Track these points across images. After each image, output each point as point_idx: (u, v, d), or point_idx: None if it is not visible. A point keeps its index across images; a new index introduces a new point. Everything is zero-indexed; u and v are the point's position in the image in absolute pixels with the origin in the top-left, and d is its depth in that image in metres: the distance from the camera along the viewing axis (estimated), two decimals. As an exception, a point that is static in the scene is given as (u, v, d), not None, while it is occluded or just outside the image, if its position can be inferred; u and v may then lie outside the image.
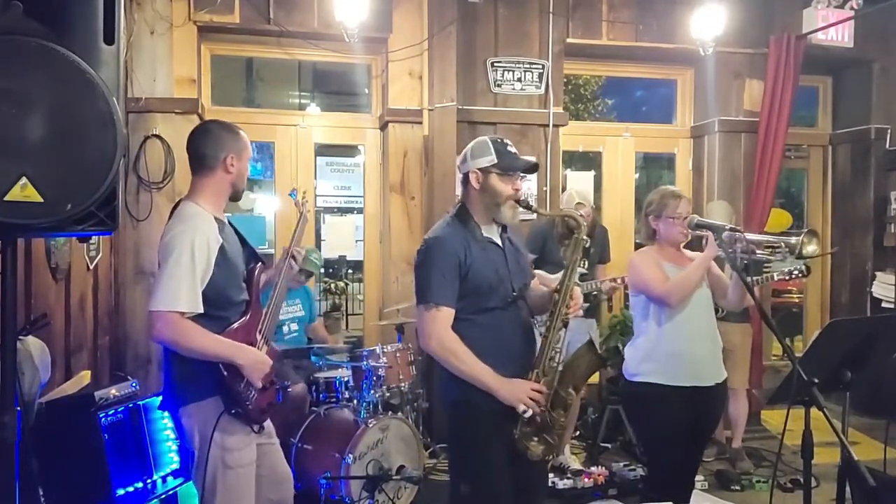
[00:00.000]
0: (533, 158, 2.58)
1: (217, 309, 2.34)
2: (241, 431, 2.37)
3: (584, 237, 2.48)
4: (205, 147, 2.41)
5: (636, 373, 3.02)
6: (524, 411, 2.25)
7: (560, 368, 2.35)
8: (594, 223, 4.57)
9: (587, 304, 4.40)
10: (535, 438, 2.31)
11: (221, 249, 2.33)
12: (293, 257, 2.69)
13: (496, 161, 2.39)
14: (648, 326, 3.04)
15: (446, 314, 2.31)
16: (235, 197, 2.51)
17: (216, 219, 2.39)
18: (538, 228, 4.49)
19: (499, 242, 2.47)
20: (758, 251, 2.95)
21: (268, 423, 2.58)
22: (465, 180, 2.47)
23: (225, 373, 2.29)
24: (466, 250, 2.35)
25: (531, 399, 2.26)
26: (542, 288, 2.59)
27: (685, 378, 2.93)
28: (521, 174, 2.48)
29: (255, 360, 2.36)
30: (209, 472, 2.31)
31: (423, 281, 2.36)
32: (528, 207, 2.54)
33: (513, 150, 2.45)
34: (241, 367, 2.31)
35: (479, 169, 2.41)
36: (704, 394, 2.96)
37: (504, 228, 2.50)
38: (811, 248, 3.00)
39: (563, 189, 5.16)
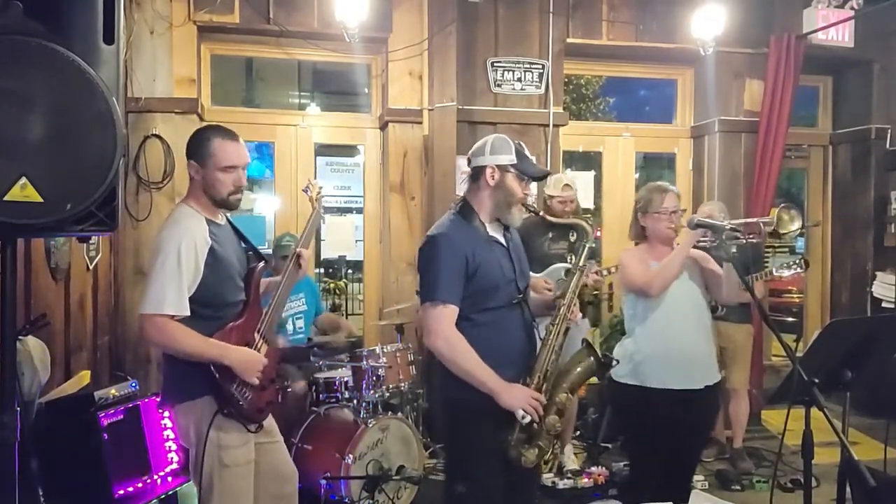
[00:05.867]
0: (546, 168, 2.57)
1: (210, 310, 2.34)
2: (238, 430, 2.37)
3: (592, 244, 2.48)
4: (186, 151, 2.46)
5: (622, 374, 2.96)
6: (523, 417, 2.22)
7: (556, 372, 2.33)
8: (577, 212, 4.39)
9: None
10: (529, 445, 2.28)
11: (211, 251, 2.34)
12: (299, 258, 2.64)
13: (516, 162, 2.37)
14: (636, 327, 2.99)
15: (452, 312, 2.28)
16: (220, 205, 2.44)
17: (208, 220, 2.40)
18: (521, 224, 4.40)
19: (503, 242, 2.44)
20: (748, 236, 2.92)
21: (270, 422, 2.58)
22: (477, 174, 2.41)
23: (216, 374, 2.29)
24: (474, 249, 2.31)
25: (530, 406, 2.23)
26: (535, 295, 2.57)
27: (672, 380, 2.87)
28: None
29: (244, 358, 2.34)
30: (206, 471, 2.32)
31: (430, 277, 2.30)
32: (535, 213, 2.53)
33: (528, 154, 2.45)
34: (230, 367, 2.30)
35: (498, 165, 2.37)
36: (693, 396, 2.89)
37: (507, 228, 2.48)
38: (794, 226, 2.98)
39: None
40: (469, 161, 2.46)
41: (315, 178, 5.36)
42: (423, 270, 2.37)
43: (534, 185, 4.58)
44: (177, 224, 2.33)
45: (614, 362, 2.40)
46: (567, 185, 4.31)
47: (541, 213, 2.61)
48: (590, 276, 4.10)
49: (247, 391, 2.36)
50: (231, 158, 2.40)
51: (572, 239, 4.35)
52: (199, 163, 2.41)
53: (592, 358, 2.36)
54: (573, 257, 4.34)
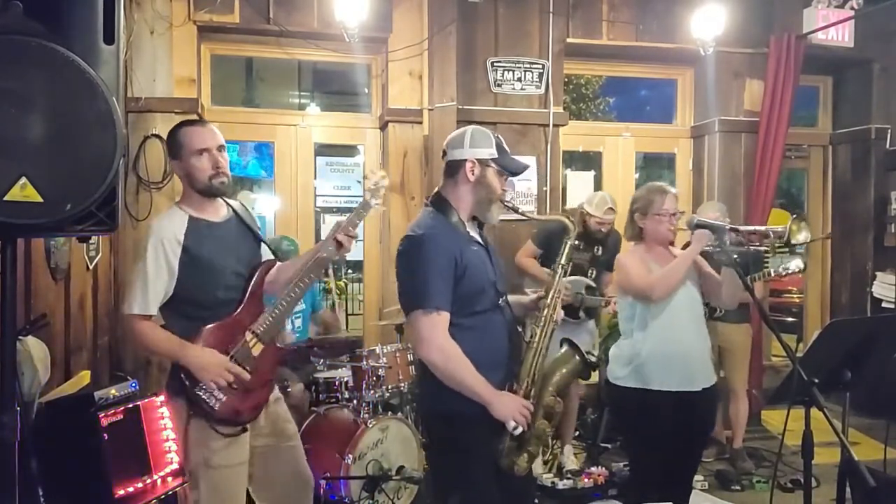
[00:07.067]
0: (525, 161, 2.42)
1: (192, 308, 2.35)
2: (211, 433, 2.35)
3: (575, 241, 2.39)
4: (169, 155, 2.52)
5: (618, 376, 2.96)
6: (514, 427, 2.13)
7: (542, 375, 2.26)
8: (611, 229, 4.44)
9: (583, 317, 4.35)
10: (520, 452, 2.22)
11: (185, 249, 2.32)
12: (337, 241, 2.51)
13: (496, 156, 2.25)
14: (633, 329, 2.97)
15: (445, 319, 2.13)
16: (206, 193, 2.41)
17: (196, 218, 2.39)
18: (547, 225, 4.37)
19: (481, 242, 2.32)
20: (749, 243, 2.91)
21: (283, 424, 2.57)
22: (455, 168, 2.25)
23: (182, 374, 2.30)
24: (461, 249, 2.16)
25: (521, 416, 2.15)
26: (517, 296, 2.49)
27: (670, 382, 2.87)
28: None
29: (204, 361, 2.28)
30: (192, 472, 2.36)
31: (417, 281, 2.13)
32: (514, 209, 2.36)
33: (507, 148, 2.33)
34: (188, 368, 2.27)
35: (478, 159, 2.23)
36: (692, 398, 2.89)
37: (481, 226, 2.36)
38: (802, 236, 2.96)
39: (563, 189, 5.15)
40: (444, 153, 2.30)
41: (315, 178, 5.38)
42: (407, 274, 2.19)
43: (527, 184, 4.62)
44: (154, 223, 2.40)
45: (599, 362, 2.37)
46: (611, 208, 4.29)
47: (520, 210, 2.41)
48: (610, 307, 4.06)
49: (218, 393, 2.30)
50: (203, 140, 2.40)
51: (597, 252, 4.34)
52: (177, 157, 2.43)
53: (577, 357, 2.30)
54: (594, 271, 4.34)
